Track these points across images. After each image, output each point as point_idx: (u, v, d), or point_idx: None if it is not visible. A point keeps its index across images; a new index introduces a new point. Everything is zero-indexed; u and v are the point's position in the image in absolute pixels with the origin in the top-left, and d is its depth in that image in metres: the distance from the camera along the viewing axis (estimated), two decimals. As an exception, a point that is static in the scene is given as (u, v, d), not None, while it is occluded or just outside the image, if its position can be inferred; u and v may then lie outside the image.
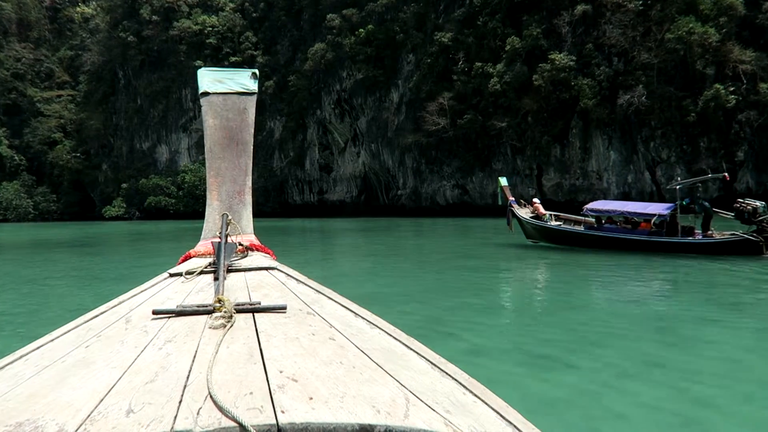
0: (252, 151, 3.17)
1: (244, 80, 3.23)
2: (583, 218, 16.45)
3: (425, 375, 1.17)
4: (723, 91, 35.16)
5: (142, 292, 1.92)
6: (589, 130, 41.37)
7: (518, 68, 43.29)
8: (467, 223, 35.49)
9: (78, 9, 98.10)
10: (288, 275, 2.14)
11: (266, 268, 2.22)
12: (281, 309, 1.52)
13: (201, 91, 3.19)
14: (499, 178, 19.18)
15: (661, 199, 39.51)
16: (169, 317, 1.47)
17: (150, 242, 28.47)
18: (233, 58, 73.58)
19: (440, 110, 48.66)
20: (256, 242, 2.73)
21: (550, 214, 17.55)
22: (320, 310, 1.60)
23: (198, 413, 0.85)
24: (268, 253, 2.65)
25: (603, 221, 15.59)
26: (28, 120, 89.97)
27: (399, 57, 56.05)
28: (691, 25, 36.02)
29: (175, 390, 0.94)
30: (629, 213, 14.89)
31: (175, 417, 0.84)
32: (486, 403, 1.10)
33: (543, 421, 3.39)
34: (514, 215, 17.54)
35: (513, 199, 17.87)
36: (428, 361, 1.28)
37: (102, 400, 0.92)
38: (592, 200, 39.27)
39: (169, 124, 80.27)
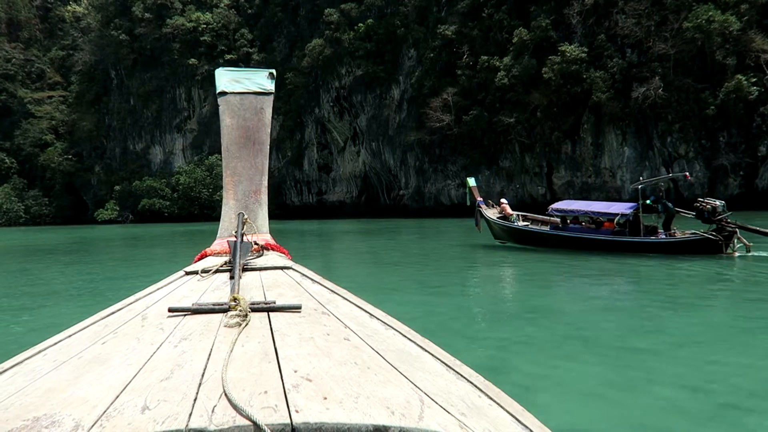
0: (268, 150, 3.16)
1: (261, 80, 3.24)
2: (549, 218, 16.54)
3: (440, 377, 1.17)
4: (745, 82, 33.32)
5: (158, 289, 1.90)
6: (601, 125, 39.47)
7: (526, 61, 41.38)
8: (473, 223, 33.55)
9: (69, 8, 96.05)
10: (303, 275, 2.12)
11: (281, 268, 2.21)
12: (296, 308, 1.51)
13: (218, 90, 3.21)
14: (467, 178, 19.31)
15: (678, 197, 37.65)
16: (185, 315, 1.46)
17: (139, 248, 26.46)
18: (228, 56, 71.59)
19: (444, 106, 46.75)
20: (272, 242, 2.71)
21: (518, 215, 17.72)
22: (335, 310, 1.59)
23: (213, 411, 0.86)
24: (284, 253, 2.63)
25: (568, 221, 15.69)
26: (19, 122, 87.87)
27: (400, 52, 54.14)
28: (710, 13, 34.13)
29: (190, 388, 0.95)
30: (593, 213, 15.05)
31: (190, 414, 0.84)
32: (501, 407, 1.10)
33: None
34: (482, 216, 17.66)
35: (481, 199, 18.08)
36: (443, 363, 1.28)
37: (118, 396, 0.93)
38: (605, 199, 37.67)
39: (163, 124, 78.23)
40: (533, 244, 16.33)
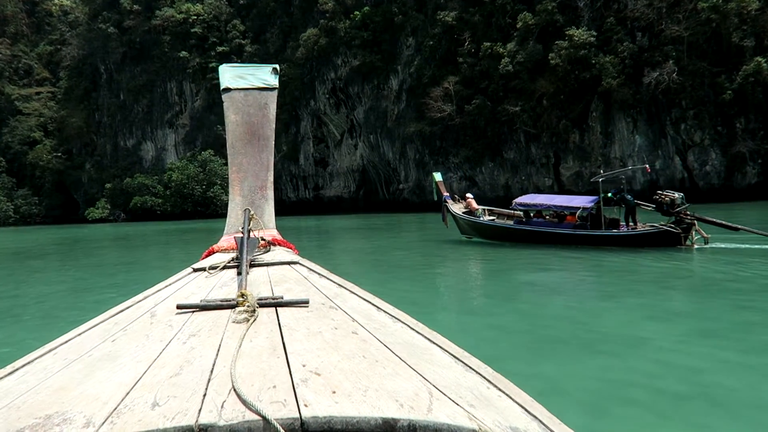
0: (273, 146, 3.13)
1: (265, 75, 3.25)
2: (513, 212, 16.62)
3: (449, 369, 1.18)
4: (764, 64, 31.57)
5: (166, 287, 1.90)
6: (611, 112, 37.67)
7: (531, 47, 39.50)
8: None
9: (56, 1, 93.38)
10: (310, 270, 2.11)
11: (288, 263, 2.21)
12: (304, 303, 1.53)
13: (222, 87, 3.21)
14: (434, 173, 19.36)
15: (693, 187, 35.94)
16: (193, 312, 1.48)
17: (125, 251, 24.56)
18: (220, 48, 69.49)
19: (445, 96, 44.89)
20: (279, 237, 2.71)
21: (483, 209, 17.77)
22: (343, 304, 1.59)
23: (222, 407, 0.87)
24: (290, 248, 2.61)
25: (531, 215, 15.80)
26: (7, 119, 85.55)
27: (398, 41, 52.15)
28: (726, -8, 32.34)
29: (199, 383, 0.96)
30: (555, 207, 15.07)
31: (200, 410, 0.86)
32: (510, 398, 1.11)
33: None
34: (449, 211, 17.59)
35: (448, 194, 18.07)
36: (452, 355, 1.29)
37: (128, 393, 0.95)
38: (618, 190, 35.99)
39: (154, 119, 76.00)
40: (498, 239, 16.34)
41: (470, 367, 1.22)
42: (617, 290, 8.52)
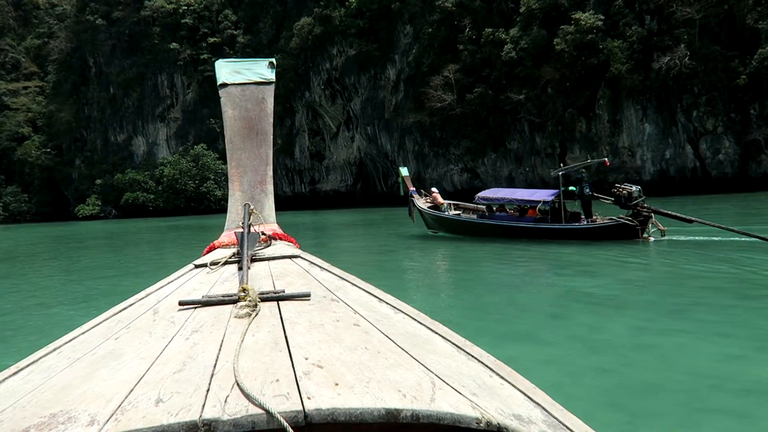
0: (272, 140, 3.13)
1: (262, 70, 3.21)
2: (477, 206, 16.64)
3: (451, 358, 1.19)
4: (781, 47, 30.12)
5: (168, 283, 1.90)
6: (619, 99, 36.17)
7: (536, 32, 37.90)
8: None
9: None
10: (311, 263, 2.12)
11: (290, 257, 2.21)
12: (305, 296, 1.53)
13: (219, 82, 3.19)
14: (400, 168, 19.51)
15: (706, 177, 34.55)
16: (196, 308, 1.48)
17: (110, 251, 22.97)
18: (212, 39, 67.71)
19: (445, 85, 43.30)
20: (279, 231, 2.71)
21: (449, 203, 17.78)
22: (344, 296, 1.60)
23: (225, 401, 0.87)
24: (291, 242, 2.61)
25: (495, 209, 15.90)
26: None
27: (395, 28, 50.47)
28: (741, -28, 30.82)
29: (202, 379, 0.96)
30: (516, 200, 15.24)
31: (203, 405, 0.86)
32: (513, 385, 1.12)
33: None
34: (415, 205, 17.64)
35: (414, 189, 18.12)
36: (454, 344, 1.30)
37: (132, 390, 0.95)
38: (624, 180, 34.52)
39: (145, 113, 74.07)
40: (463, 234, 16.43)
41: (472, 356, 1.22)
42: (669, 298, 7.07)
